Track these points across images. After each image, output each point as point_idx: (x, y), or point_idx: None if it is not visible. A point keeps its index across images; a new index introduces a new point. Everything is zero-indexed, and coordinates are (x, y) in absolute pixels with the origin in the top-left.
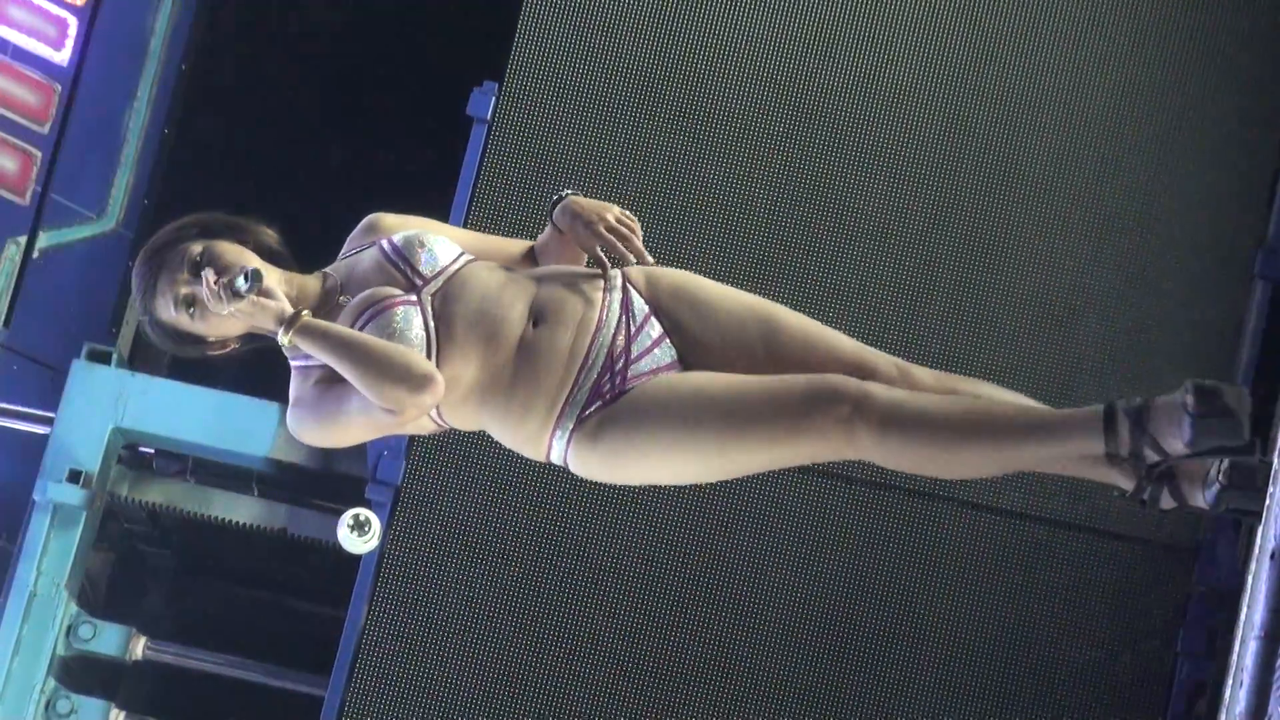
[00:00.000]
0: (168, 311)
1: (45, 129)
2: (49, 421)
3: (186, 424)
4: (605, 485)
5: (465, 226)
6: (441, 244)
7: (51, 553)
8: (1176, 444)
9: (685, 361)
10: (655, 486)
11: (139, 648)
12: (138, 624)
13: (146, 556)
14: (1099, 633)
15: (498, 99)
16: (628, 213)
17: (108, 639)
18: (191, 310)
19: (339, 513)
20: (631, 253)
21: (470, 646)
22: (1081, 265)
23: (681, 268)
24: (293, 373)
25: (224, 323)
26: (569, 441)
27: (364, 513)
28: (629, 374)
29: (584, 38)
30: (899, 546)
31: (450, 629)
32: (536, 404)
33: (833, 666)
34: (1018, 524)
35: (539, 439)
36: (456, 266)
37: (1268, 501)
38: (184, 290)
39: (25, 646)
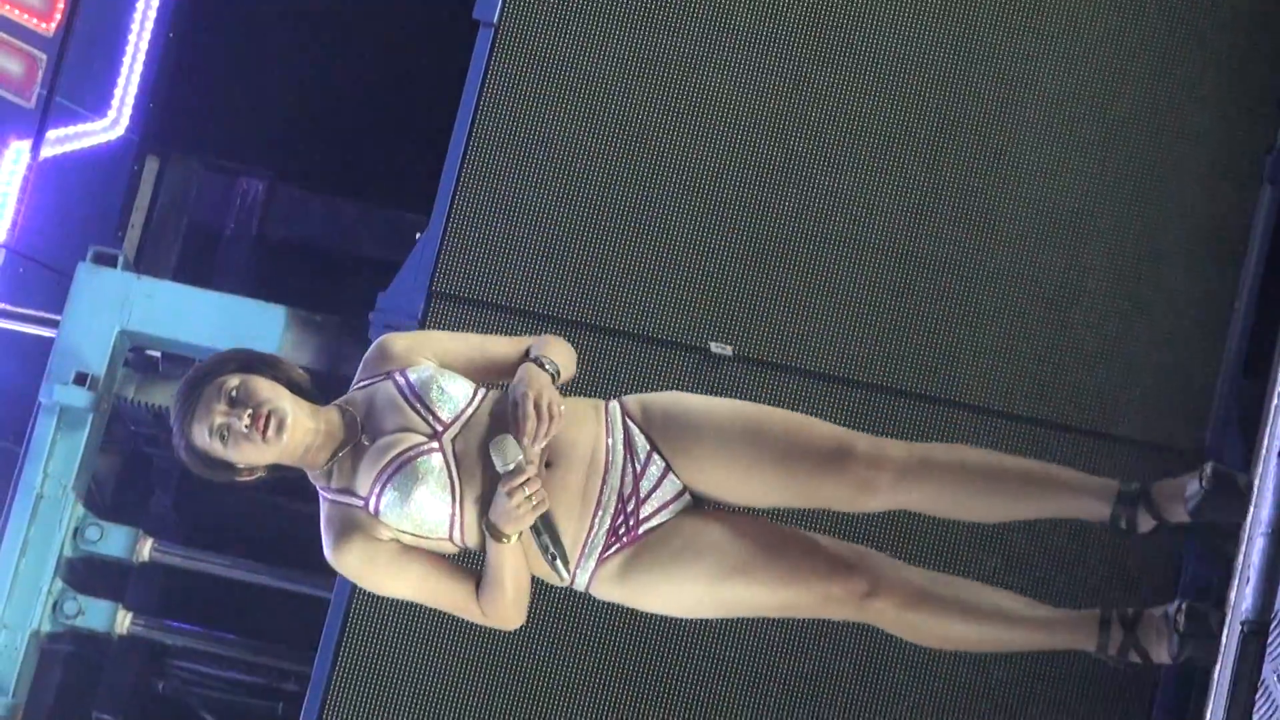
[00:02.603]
0: (203, 438)
1: (50, 32)
2: (55, 324)
3: (192, 327)
4: None
5: (471, 134)
6: (455, 384)
7: (58, 455)
8: (1163, 655)
9: (688, 487)
10: None
11: (146, 549)
12: (144, 526)
13: (153, 459)
14: (1103, 538)
15: (504, 2)
16: (559, 408)
17: (115, 541)
18: (225, 439)
19: None
20: (524, 436)
21: None
22: (1090, 171)
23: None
24: (327, 504)
25: (254, 452)
26: (591, 578)
27: None
28: (641, 514)
29: None
30: None
31: None
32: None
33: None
34: (1021, 427)
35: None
36: (472, 410)
37: (1277, 401)
38: (219, 420)
39: (32, 548)
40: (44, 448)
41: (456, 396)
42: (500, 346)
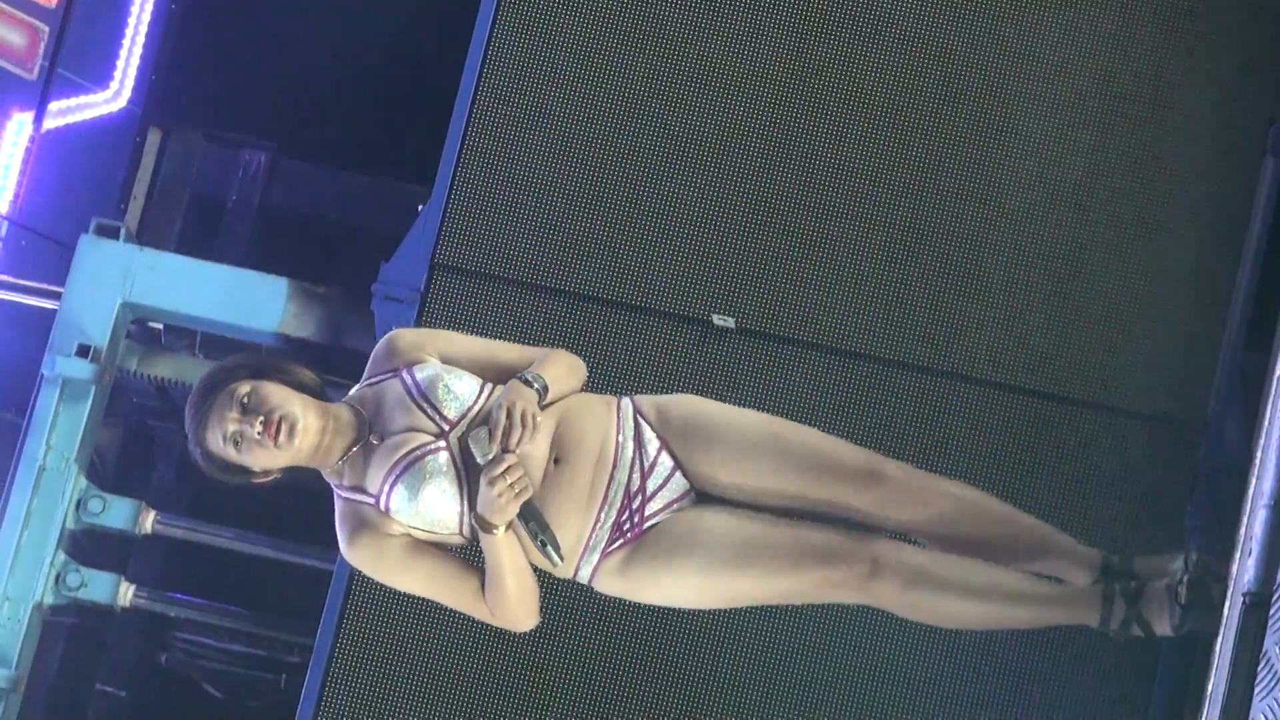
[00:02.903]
0: (217, 444)
1: (52, 3)
2: (57, 296)
3: (195, 299)
4: None
5: (474, 105)
6: (461, 382)
7: (60, 427)
8: (1165, 627)
9: (697, 488)
10: None
11: (149, 522)
12: (147, 498)
13: (155, 432)
14: (1106, 512)
15: None
16: (536, 420)
17: (118, 513)
18: (239, 445)
19: (347, 388)
20: (495, 442)
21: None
22: (1093, 143)
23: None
24: (341, 502)
25: (268, 457)
26: (594, 571)
27: None
28: (646, 511)
29: None
30: (901, 421)
31: None
32: (562, 539)
33: None
34: (1023, 399)
35: (565, 568)
36: (479, 407)
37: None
38: (232, 427)
39: (35, 520)
40: (46, 420)
41: (462, 395)
42: (508, 353)
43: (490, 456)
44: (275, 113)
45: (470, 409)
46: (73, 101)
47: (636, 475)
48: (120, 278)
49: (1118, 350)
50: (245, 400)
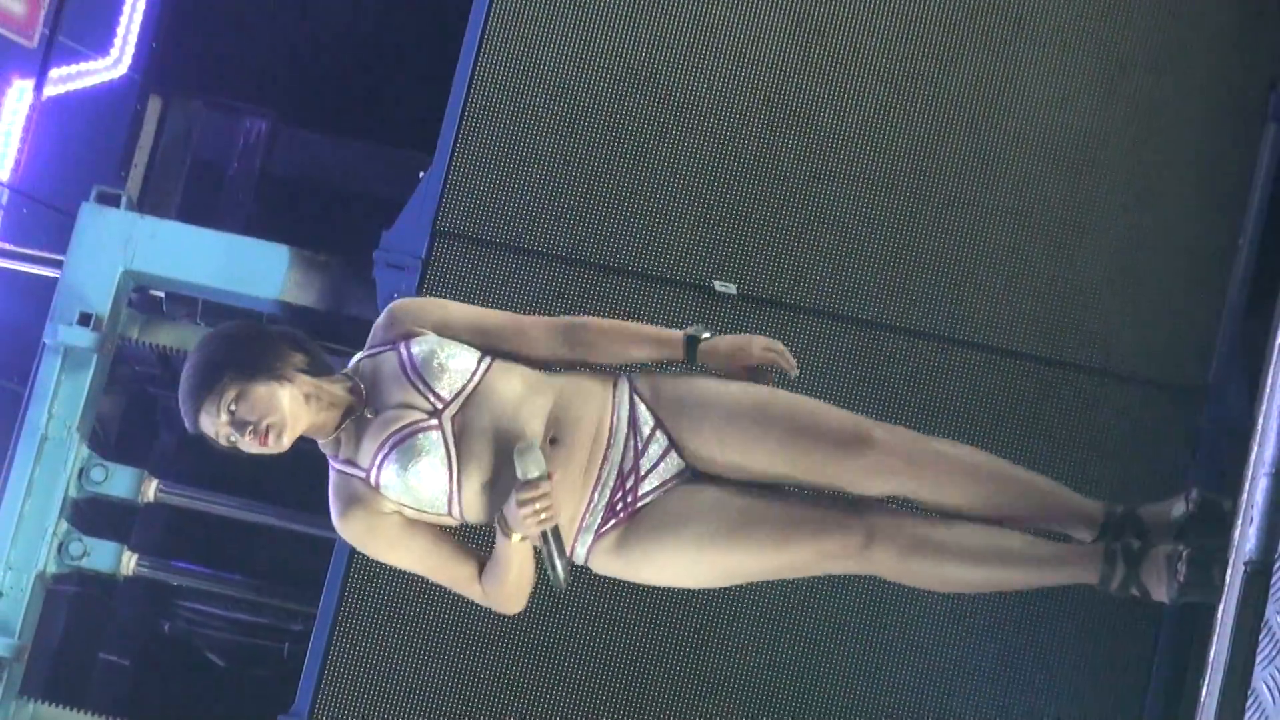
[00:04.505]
0: (211, 433)
1: None
2: (58, 264)
3: (196, 266)
4: None
5: (475, 71)
6: (457, 359)
7: (62, 395)
8: (1162, 595)
9: (691, 466)
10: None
11: (151, 490)
12: (150, 467)
13: (158, 399)
14: (1108, 479)
15: None
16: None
17: (120, 481)
18: (232, 440)
19: (348, 355)
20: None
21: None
22: (1094, 107)
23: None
24: (334, 473)
25: (261, 452)
26: (589, 551)
27: None
28: (639, 491)
29: None
30: (902, 386)
31: None
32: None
33: None
34: (1025, 365)
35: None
36: (475, 383)
37: None
38: (224, 430)
39: (37, 489)
40: (48, 389)
41: (456, 372)
42: (526, 323)
43: (530, 477)
44: (276, 79)
45: (464, 387)
46: (73, 69)
47: (630, 455)
48: (121, 246)
49: (1119, 316)
50: (233, 409)
